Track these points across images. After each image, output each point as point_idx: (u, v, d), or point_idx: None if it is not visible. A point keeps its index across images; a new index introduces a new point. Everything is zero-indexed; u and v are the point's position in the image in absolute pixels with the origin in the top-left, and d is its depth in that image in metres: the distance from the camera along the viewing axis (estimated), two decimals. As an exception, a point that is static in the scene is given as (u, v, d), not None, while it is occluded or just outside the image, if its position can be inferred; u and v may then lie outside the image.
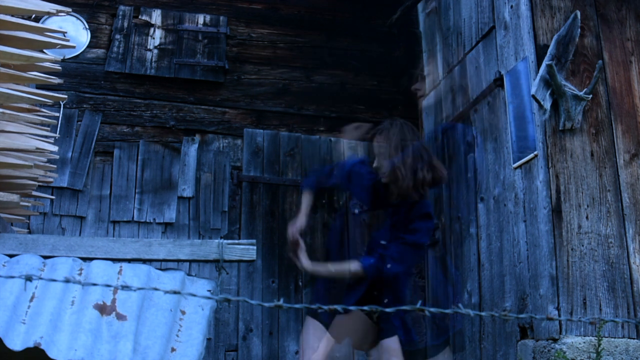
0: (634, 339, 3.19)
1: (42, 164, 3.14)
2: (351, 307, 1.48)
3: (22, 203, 2.90)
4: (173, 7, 5.07)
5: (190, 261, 2.81)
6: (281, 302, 1.38)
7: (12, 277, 1.47)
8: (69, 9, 2.98)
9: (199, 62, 4.91)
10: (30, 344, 2.22)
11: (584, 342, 3.08)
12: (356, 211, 3.03)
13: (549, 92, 3.39)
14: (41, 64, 2.83)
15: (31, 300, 2.38)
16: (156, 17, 4.99)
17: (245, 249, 2.74)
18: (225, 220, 4.67)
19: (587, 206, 3.35)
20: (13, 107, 2.87)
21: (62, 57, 3.72)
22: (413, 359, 3.09)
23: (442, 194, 4.63)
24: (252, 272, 4.58)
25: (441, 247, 4.60)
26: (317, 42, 5.27)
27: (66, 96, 3.43)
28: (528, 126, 3.60)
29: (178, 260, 2.72)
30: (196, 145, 4.79)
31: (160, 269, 2.69)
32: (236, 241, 2.77)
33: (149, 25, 4.96)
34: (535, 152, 3.49)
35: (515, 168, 3.68)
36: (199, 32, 5.01)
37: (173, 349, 2.38)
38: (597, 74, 3.44)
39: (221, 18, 5.10)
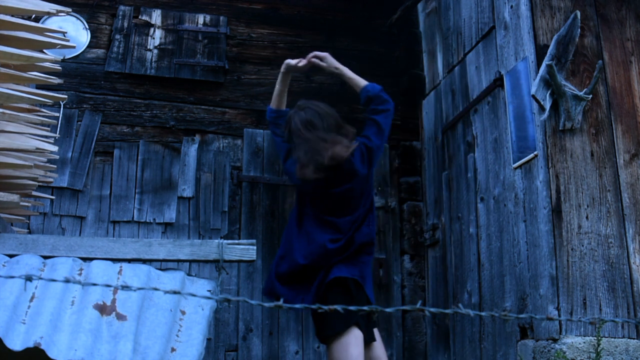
0: (634, 339, 3.19)
1: (42, 164, 3.15)
2: (351, 308, 1.47)
3: (22, 203, 2.90)
4: (173, 7, 5.07)
5: (190, 261, 2.81)
6: (281, 302, 1.38)
7: (12, 277, 1.47)
8: (69, 9, 2.98)
9: (199, 62, 4.91)
10: (30, 344, 2.22)
11: (584, 342, 3.08)
12: None
13: (549, 92, 3.39)
14: (41, 64, 2.83)
15: (31, 300, 2.38)
16: (156, 17, 4.99)
17: (245, 249, 2.74)
18: (225, 220, 4.67)
19: (587, 206, 3.35)
20: (13, 107, 2.87)
21: (62, 57, 3.73)
22: None
23: (442, 194, 4.63)
24: (252, 272, 4.58)
25: (441, 246, 4.60)
26: (317, 42, 5.27)
27: (66, 96, 3.43)
28: (528, 126, 3.60)
29: (178, 260, 2.72)
30: (196, 145, 4.79)
31: (160, 269, 2.69)
32: (236, 241, 2.77)
33: (149, 25, 4.96)
34: (535, 152, 3.49)
35: (515, 168, 3.68)
36: (199, 32, 5.01)
37: (173, 349, 2.38)
38: (597, 74, 3.44)
39: (221, 18, 5.10)
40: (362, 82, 3.36)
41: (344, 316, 2.85)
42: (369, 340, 3.06)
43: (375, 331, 3.17)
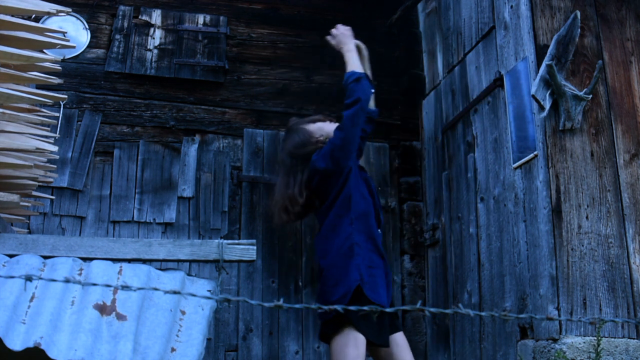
0: (634, 339, 3.19)
1: (42, 164, 3.14)
2: (351, 308, 1.47)
3: (22, 203, 2.90)
4: (173, 7, 5.07)
5: (190, 261, 2.81)
6: (281, 302, 1.38)
7: (12, 277, 1.47)
8: (69, 9, 2.98)
9: (199, 62, 4.91)
10: (30, 344, 2.22)
11: (584, 342, 3.08)
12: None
13: (549, 92, 3.39)
14: (41, 64, 2.83)
15: (31, 300, 2.38)
16: (156, 17, 4.99)
17: (245, 249, 2.74)
18: (225, 220, 4.67)
19: (587, 206, 3.35)
20: (13, 107, 2.87)
21: (62, 57, 3.72)
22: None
23: (442, 194, 4.63)
24: (252, 272, 4.58)
25: (441, 246, 4.60)
26: (317, 42, 5.26)
27: (66, 96, 3.43)
28: (528, 126, 3.60)
29: (178, 260, 2.72)
30: (196, 145, 4.79)
31: (160, 269, 2.69)
32: (236, 241, 2.77)
33: (149, 25, 4.96)
34: (535, 152, 3.49)
35: (515, 168, 3.68)
36: (199, 32, 5.01)
37: (173, 349, 2.38)
38: (597, 74, 3.44)
39: (221, 18, 5.10)
40: (350, 68, 3.30)
41: (336, 319, 2.85)
42: (385, 344, 2.99)
43: (400, 336, 3.08)
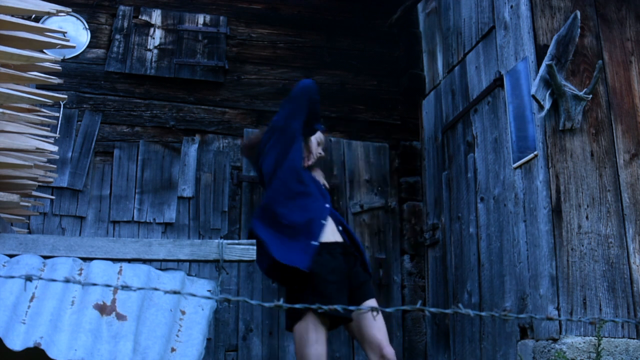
0: (634, 339, 3.19)
1: (42, 164, 3.15)
2: (351, 308, 1.48)
3: (22, 203, 2.90)
4: (173, 7, 5.07)
5: (190, 261, 2.81)
6: (281, 302, 1.38)
7: (12, 277, 1.47)
8: (69, 9, 2.98)
9: (199, 62, 4.91)
10: (30, 344, 2.22)
11: (584, 342, 3.09)
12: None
13: (549, 92, 3.39)
14: (41, 64, 2.83)
15: (31, 300, 2.38)
16: (156, 17, 4.99)
17: (245, 249, 2.74)
18: (225, 220, 4.67)
19: (587, 206, 3.35)
20: (13, 107, 2.87)
21: (62, 57, 3.72)
22: None
23: (442, 194, 4.63)
24: (252, 272, 4.58)
25: (441, 246, 4.60)
26: (317, 42, 5.27)
27: (66, 96, 3.43)
28: (528, 126, 3.60)
29: (178, 260, 2.72)
30: (196, 145, 4.78)
31: (160, 269, 2.70)
32: (236, 241, 2.77)
33: (149, 25, 4.96)
34: (535, 152, 3.49)
35: (515, 168, 3.68)
36: (199, 32, 5.01)
37: (173, 349, 2.38)
38: (597, 74, 3.44)
39: (221, 18, 5.10)
40: None
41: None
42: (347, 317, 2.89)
43: (372, 303, 2.93)
